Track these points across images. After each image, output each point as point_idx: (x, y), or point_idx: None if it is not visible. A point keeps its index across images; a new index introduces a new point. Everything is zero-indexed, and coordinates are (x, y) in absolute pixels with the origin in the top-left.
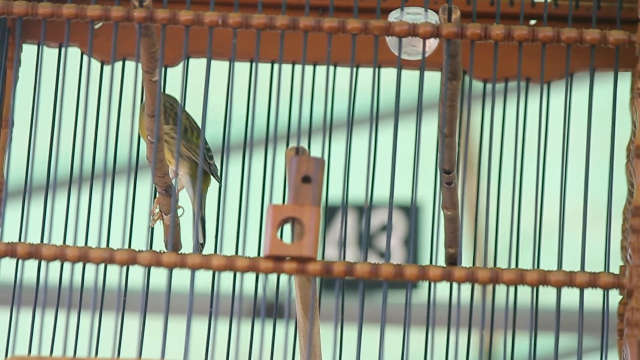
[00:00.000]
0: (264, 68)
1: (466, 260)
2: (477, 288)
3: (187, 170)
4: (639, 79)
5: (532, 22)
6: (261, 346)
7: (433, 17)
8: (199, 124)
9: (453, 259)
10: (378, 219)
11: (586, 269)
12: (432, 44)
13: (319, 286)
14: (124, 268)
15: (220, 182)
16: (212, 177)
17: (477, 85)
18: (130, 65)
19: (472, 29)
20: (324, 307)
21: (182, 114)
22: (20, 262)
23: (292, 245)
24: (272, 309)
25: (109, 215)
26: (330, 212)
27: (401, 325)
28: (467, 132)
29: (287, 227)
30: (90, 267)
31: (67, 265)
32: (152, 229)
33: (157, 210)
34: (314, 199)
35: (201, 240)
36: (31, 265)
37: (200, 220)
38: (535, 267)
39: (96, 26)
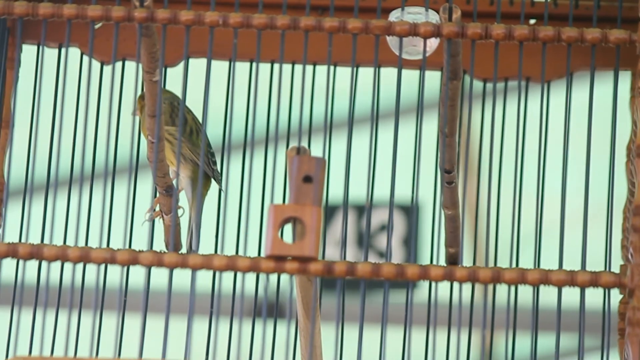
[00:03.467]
0: (264, 68)
1: (467, 260)
2: (478, 288)
3: (189, 173)
4: (639, 78)
5: (532, 21)
6: (263, 346)
7: (434, 17)
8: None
9: (454, 259)
10: (377, 218)
11: (587, 269)
12: (433, 43)
13: (319, 286)
14: (125, 268)
15: (221, 187)
16: (212, 181)
17: (478, 84)
18: (130, 65)
19: (473, 28)
20: (324, 307)
21: (188, 116)
22: (21, 262)
23: (294, 245)
24: (273, 309)
25: (110, 215)
26: (330, 212)
27: (402, 324)
28: (468, 132)
29: (288, 227)
30: (91, 267)
31: (68, 265)
32: (153, 229)
33: (157, 208)
34: (315, 199)
35: (194, 247)
36: (32, 265)
37: (195, 226)
38: (536, 266)
39: (96, 26)
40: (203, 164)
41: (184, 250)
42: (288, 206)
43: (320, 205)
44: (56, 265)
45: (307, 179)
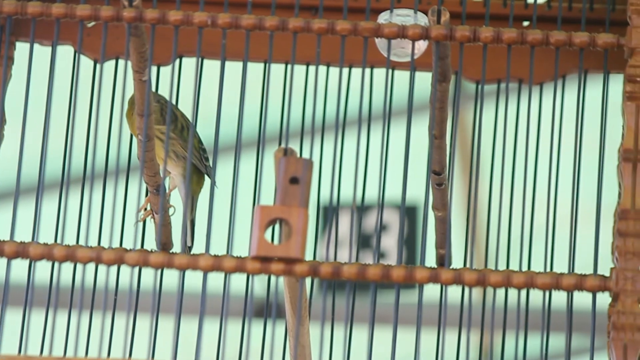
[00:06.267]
0: (256, 68)
1: (457, 262)
2: (468, 289)
3: (181, 171)
4: (628, 82)
5: (525, 23)
6: (247, 346)
7: (422, 19)
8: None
9: (444, 260)
10: (374, 219)
11: (578, 271)
12: (422, 45)
13: (310, 286)
14: (112, 267)
15: (215, 184)
16: (206, 178)
17: (470, 86)
18: (122, 63)
19: (461, 31)
20: (315, 306)
21: (177, 113)
22: (7, 261)
23: (280, 246)
24: (262, 309)
25: (100, 214)
26: (326, 213)
27: (390, 325)
28: (455, 134)
29: (275, 228)
30: (79, 267)
31: (59, 265)
32: (144, 228)
33: (147, 207)
34: (301, 200)
35: (189, 244)
36: (19, 264)
37: (190, 223)
38: (526, 268)
39: (89, 25)
40: (192, 160)
41: (176, 249)
42: (274, 207)
43: (307, 207)
44: (44, 264)
45: (294, 180)
